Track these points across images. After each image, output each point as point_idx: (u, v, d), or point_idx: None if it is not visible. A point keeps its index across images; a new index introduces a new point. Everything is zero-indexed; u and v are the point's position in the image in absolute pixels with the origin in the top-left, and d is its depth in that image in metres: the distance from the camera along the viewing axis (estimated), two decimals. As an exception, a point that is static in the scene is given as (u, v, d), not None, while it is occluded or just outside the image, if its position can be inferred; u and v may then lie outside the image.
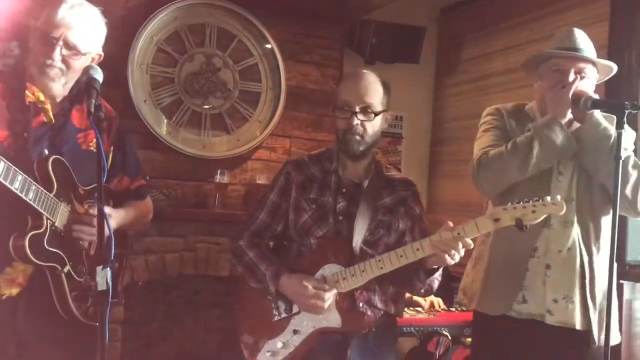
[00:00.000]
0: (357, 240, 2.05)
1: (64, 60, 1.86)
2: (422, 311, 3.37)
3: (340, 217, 2.10)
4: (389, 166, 2.28)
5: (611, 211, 2.00)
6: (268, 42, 4.14)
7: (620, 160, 1.93)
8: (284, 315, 2.07)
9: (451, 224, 1.90)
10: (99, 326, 1.51)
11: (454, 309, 3.50)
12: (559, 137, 2.11)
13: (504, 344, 2.22)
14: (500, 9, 4.22)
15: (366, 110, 2.07)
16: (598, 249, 2.18)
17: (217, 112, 4.06)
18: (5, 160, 1.66)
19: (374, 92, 2.09)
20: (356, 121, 2.06)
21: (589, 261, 2.16)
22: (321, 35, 4.35)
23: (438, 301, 3.52)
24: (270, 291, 2.06)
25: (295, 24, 4.27)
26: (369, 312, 2.08)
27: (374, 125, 2.09)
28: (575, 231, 2.16)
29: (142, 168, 2.21)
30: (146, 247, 3.66)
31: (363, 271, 1.99)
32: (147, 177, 2.26)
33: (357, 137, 2.07)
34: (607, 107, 2.12)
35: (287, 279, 2.04)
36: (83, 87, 1.72)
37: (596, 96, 2.12)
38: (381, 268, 1.97)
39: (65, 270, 1.83)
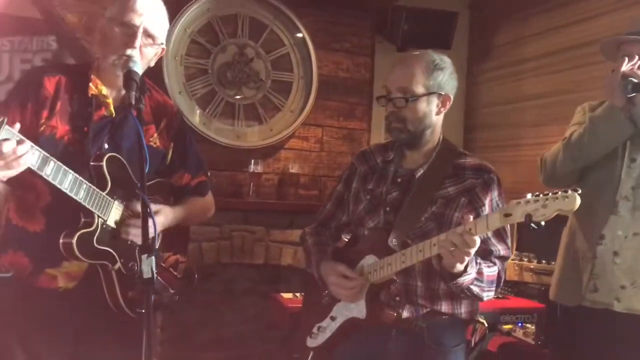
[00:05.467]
0: (399, 233, 1.94)
1: (140, 49, 1.82)
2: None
3: (388, 209, 2.01)
4: (465, 152, 2.07)
5: None
6: (299, 31, 4.15)
7: None
8: (329, 299, 2.07)
9: (471, 218, 1.73)
10: (145, 313, 1.53)
11: (489, 296, 3.48)
12: (607, 125, 2.07)
13: (580, 335, 2.20)
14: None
15: (401, 95, 1.94)
16: None
17: (250, 102, 4.10)
18: (55, 160, 1.65)
19: (409, 74, 1.93)
20: (391, 108, 1.97)
21: None
22: (352, 23, 4.35)
23: None
24: (316, 277, 2.09)
25: (326, 13, 4.27)
26: (406, 307, 1.97)
27: (413, 111, 1.94)
28: None
29: (204, 164, 2.17)
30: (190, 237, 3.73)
31: (389, 264, 1.90)
32: (209, 174, 2.22)
33: (397, 125, 1.96)
34: None
35: (324, 266, 2.05)
36: (123, 80, 1.72)
37: None
38: (403, 262, 1.86)
39: (116, 267, 1.82)
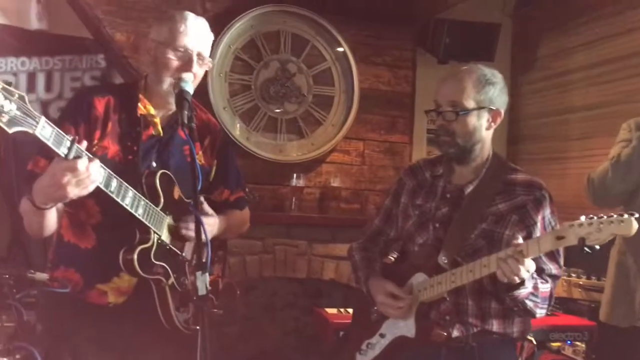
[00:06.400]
0: (449, 250, 1.92)
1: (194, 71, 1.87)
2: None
3: (437, 225, 1.98)
4: (516, 167, 2.04)
5: None
6: (340, 46, 4.18)
7: None
8: (377, 316, 2.06)
9: (521, 240, 1.74)
10: (200, 329, 1.55)
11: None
12: None
13: (634, 356, 2.16)
14: (577, 2, 4.09)
15: (452, 109, 1.92)
16: None
17: (292, 117, 4.14)
18: (118, 177, 1.68)
19: (460, 88, 1.92)
20: (440, 121, 1.96)
21: None
22: (393, 37, 4.35)
23: None
24: (365, 292, 2.09)
25: (367, 27, 4.29)
26: (456, 326, 1.93)
27: (463, 125, 1.92)
28: None
29: (242, 181, 2.19)
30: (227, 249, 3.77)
31: (439, 283, 1.88)
32: (247, 189, 2.24)
33: (445, 139, 1.95)
34: None
35: (373, 282, 2.05)
36: (175, 100, 1.75)
37: None
38: (453, 282, 1.85)
39: (170, 282, 1.85)
